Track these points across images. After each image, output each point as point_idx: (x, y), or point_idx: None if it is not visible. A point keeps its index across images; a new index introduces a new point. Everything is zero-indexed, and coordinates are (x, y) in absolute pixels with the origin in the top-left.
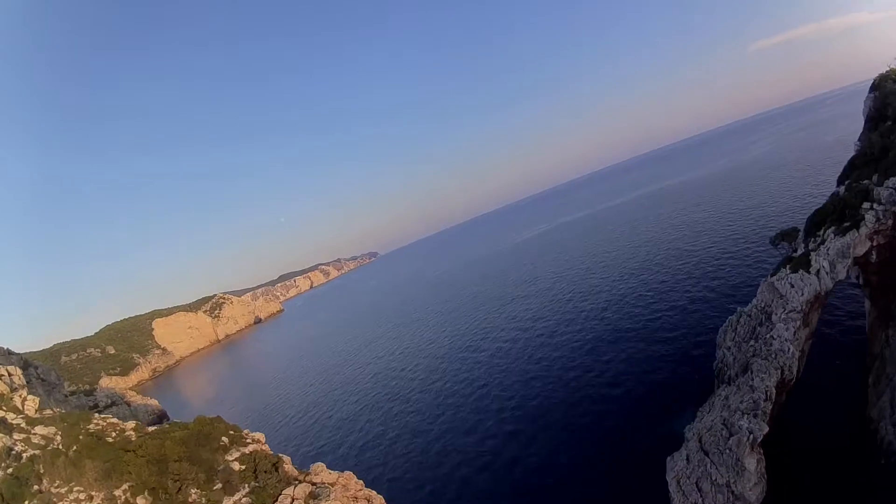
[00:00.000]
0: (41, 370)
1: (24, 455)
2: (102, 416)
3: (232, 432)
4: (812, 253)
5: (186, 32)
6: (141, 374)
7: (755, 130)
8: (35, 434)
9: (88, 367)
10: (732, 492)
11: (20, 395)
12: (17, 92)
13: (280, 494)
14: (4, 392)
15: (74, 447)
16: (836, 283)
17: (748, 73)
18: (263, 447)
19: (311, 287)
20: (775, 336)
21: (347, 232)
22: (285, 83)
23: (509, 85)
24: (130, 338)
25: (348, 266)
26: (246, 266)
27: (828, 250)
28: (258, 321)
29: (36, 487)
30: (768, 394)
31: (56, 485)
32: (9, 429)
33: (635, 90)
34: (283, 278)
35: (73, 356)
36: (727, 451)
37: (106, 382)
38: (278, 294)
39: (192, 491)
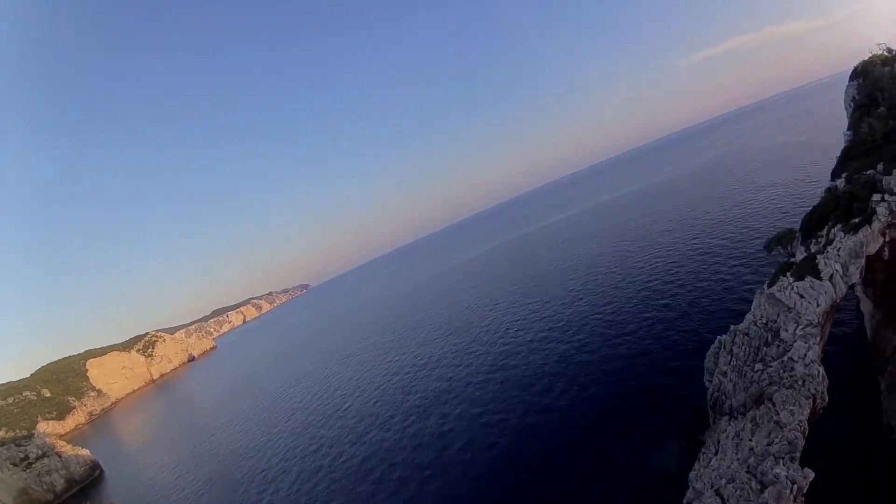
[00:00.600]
0: None
1: None
2: None
3: None
4: (819, 256)
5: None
6: (77, 417)
7: (700, 138)
8: None
9: (25, 412)
10: None
11: None
12: None
13: None
14: None
15: None
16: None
17: (686, 84)
18: None
19: (245, 322)
20: (795, 357)
21: (278, 267)
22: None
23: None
24: (66, 379)
25: (280, 299)
26: (178, 302)
27: (838, 251)
28: (192, 359)
29: None
30: (802, 430)
31: None
32: None
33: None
34: (216, 313)
35: (10, 399)
36: None
37: (43, 427)
38: (211, 330)
39: None
